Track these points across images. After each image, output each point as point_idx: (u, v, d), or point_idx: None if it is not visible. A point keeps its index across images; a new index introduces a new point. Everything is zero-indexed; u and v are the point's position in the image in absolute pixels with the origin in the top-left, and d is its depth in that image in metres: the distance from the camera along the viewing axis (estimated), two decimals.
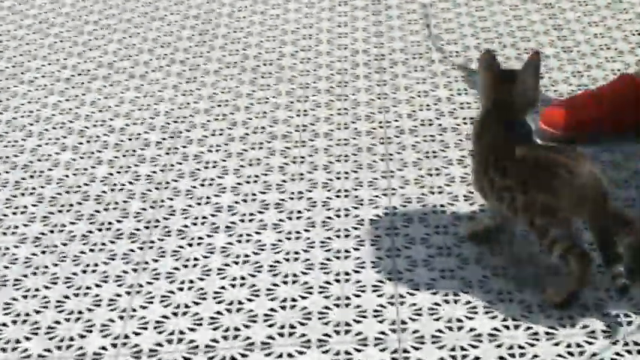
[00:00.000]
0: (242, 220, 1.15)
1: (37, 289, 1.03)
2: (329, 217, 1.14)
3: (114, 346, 0.93)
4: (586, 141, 1.28)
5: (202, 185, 1.24)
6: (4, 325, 0.98)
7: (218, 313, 0.98)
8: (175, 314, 0.98)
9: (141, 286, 1.03)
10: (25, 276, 1.06)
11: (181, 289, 1.02)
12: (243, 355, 0.91)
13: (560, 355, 0.88)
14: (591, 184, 0.95)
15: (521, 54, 1.55)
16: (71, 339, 0.95)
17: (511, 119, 1.06)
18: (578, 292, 0.95)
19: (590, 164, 0.97)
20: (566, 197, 0.94)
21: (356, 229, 1.12)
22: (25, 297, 1.02)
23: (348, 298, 0.99)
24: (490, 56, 1.12)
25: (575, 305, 0.94)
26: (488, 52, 1.10)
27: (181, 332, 0.95)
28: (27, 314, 0.99)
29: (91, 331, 0.95)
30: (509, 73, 1.09)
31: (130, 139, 1.38)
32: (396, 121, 1.38)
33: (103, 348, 0.93)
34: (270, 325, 0.95)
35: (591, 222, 0.95)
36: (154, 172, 1.29)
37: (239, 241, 1.12)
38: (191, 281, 1.03)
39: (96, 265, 1.07)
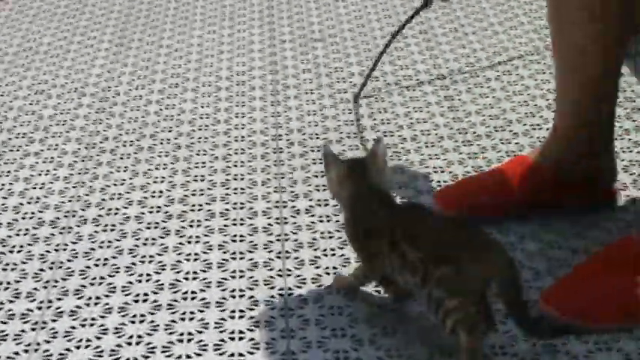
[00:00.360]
0: (136, 301, 1.19)
1: None
2: (224, 298, 1.19)
3: None
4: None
5: (96, 265, 1.29)
6: None
7: None
8: None
9: None
10: None
11: None
12: None
13: None
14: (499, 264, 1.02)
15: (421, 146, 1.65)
16: None
17: (385, 198, 1.14)
18: None
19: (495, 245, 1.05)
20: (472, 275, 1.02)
21: (251, 309, 1.16)
22: None
23: None
24: (329, 152, 1.18)
25: None
26: (325, 148, 1.17)
27: None
28: None
29: None
30: (358, 161, 1.17)
31: (23, 218, 1.43)
32: (292, 200, 1.45)
33: None
34: None
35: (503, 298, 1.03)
36: (48, 251, 1.34)
37: (132, 322, 1.15)
38: None
39: None
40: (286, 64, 1.98)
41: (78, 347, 1.11)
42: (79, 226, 1.40)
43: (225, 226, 1.38)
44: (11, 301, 1.22)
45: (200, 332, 1.11)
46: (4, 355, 1.10)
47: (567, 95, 1.46)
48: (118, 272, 1.27)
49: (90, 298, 1.22)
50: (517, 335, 1.09)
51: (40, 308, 1.19)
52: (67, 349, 1.10)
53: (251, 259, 1.28)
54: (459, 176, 1.56)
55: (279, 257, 1.29)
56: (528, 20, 2.19)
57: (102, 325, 1.13)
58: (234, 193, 1.49)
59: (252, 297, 1.19)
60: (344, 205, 1.15)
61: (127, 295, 1.22)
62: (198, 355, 1.07)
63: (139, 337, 1.11)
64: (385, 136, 1.69)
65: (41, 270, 1.27)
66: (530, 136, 1.71)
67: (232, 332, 1.11)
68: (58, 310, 1.18)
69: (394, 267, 1.08)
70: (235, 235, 1.35)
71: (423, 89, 1.88)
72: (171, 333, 1.11)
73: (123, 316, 1.16)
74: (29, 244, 1.36)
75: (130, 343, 1.10)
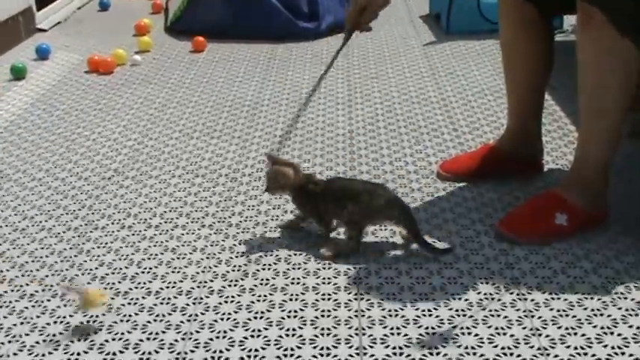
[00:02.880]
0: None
1: None
2: None
3: None
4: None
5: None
6: None
7: None
8: None
9: None
10: None
11: None
12: None
13: None
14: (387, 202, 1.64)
15: None
16: None
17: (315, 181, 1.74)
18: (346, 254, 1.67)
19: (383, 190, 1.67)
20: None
21: None
22: None
23: None
24: (270, 157, 1.80)
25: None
26: (268, 156, 1.81)
27: None
28: None
29: None
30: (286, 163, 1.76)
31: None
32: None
33: None
34: None
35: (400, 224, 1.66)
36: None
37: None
38: None
39: None
40: None
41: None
42: None
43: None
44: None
45: None
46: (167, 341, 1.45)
47: (514, 102, 2.01)
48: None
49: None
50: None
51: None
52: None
53: None
54: (452, 155, 2.19)
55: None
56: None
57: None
58: None
59: None
60: (291, 191, 1.75)
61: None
62: None
63: None
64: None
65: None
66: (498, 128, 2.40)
67: None
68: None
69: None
70: None
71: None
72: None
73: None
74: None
75: None
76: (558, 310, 1.52)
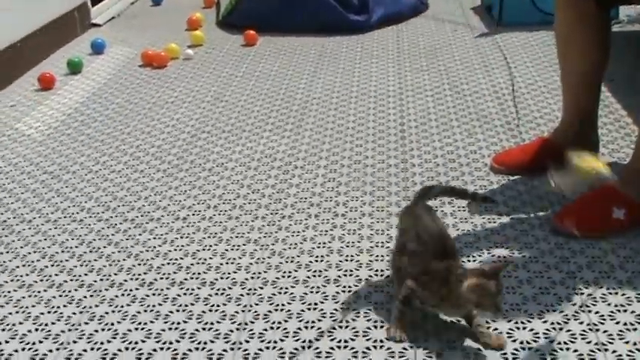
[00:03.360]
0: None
1: None
2: None
3: None
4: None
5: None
6: None
7: None
8: None
9: None
10: None
11: None
12: None
13: None
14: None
15: None
16: None
17: None
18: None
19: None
20: None
21: None
22: None
23: None
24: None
25: None
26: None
27: None
28: None
29: None
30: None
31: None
32: None
33: None
34: None
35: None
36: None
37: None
38: None
39: None
40: None
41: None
42: None
43: None
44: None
45: None
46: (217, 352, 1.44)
47: (570, 95, 1.96)
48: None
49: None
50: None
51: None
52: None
53: None
54: (505, 148, 2.17)
55: None
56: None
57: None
58: None
59: None
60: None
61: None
62: None
63: None
64: None
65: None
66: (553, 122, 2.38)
67: None
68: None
69: None
70: None
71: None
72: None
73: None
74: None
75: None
76: (616, 306, 1.49)
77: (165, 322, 1.51)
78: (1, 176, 2.22)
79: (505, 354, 1.37)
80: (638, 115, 1.70)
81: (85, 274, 1.69)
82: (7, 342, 1.47)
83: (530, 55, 3.07)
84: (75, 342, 1.47)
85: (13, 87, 3.04)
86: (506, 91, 2.69)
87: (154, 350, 1.43)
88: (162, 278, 1.66)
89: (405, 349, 1.39)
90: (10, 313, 1.56)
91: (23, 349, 1.45)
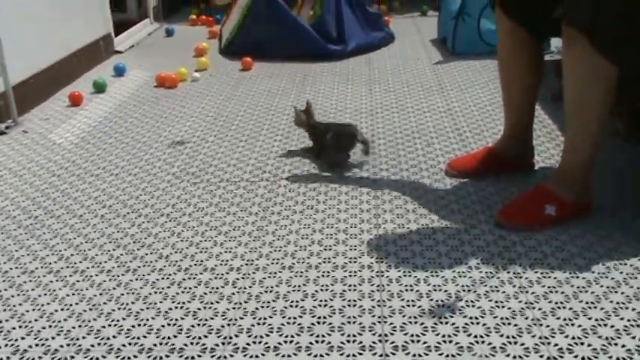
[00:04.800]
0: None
1: None
2: None
3: None
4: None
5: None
6: None
7: None
8: None
9: None
10: None
11: None
12: None
13: None
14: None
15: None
16: None
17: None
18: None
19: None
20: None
21: None
22: None
23: None
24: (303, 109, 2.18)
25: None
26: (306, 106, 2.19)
27: None
28: None
29: None
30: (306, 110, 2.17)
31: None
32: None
33: None
34: None
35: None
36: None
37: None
38: None
39: None
40: None
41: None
42: None
43: None
44: None
45: None
46: None
47: (510, 111, 1.95)
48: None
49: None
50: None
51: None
52: None
53: None
54: (457, 155, 2.14)
55: None
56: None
57: None
58: None
59: None
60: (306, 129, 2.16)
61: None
62: None
63: None
64: None
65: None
66: (496, 132, 2.35)
67: None
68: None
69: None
70: None
71: None
72: None
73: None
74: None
75: None
76: (549, 287, 1.48)
77: (173, 302, 1.47)
78: (35, 178, 2.18)
79: (457, 327, 1.34)
80: (565, 129, 1.69)
81: (105, 262, 1.66)
82: (35, 320, 1.43)
83: (477, 79, 3.07)
84: (95, 319, 1.43)
85: (47, 103, 2.99)
86: (458, 109, 2.68)
87: (191, 328, 1.38)
88: (170, 265, 1.62)
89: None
90: (40, 295, 1.52)
91: (50, 327, 1.41)
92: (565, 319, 1.36)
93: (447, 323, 1.36)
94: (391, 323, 1.37)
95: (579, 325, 1.34)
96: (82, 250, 1.71)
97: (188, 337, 1.35)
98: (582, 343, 1.28)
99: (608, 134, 1.82)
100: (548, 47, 3.24)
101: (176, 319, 1.41)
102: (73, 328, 1.40)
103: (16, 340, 1.36)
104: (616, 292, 1.45)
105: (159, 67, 3.45)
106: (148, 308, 1.45)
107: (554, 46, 3.26)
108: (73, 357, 1.30)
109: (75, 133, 2.60)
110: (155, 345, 1.33)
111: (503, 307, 1.41)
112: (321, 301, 1.45)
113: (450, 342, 1.30)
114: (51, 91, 3.09)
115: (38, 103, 2.96)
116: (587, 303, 1.41)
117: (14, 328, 1.39)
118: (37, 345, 1.35)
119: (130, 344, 1.33)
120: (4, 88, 2.64)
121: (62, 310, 1.46)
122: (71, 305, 1.47)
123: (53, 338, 1.36)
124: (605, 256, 1.59)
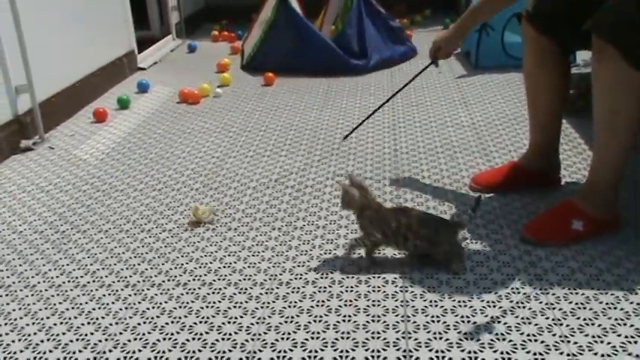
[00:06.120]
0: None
1: None
2: None
3: None
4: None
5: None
6: None
7: None
8: None
9: None
10: None
11: None
12: None
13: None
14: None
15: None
16: None
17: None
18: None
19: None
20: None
21: None
22: None
23: None
24: (350, 177, 1.56)
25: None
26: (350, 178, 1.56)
27: None
28: None
29: None
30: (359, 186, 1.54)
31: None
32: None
33: None
34: None
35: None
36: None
37: None
38: None
39: None
40: None
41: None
42: None
43: None
44: None
45: None
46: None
47: (535, 125, 1.94)
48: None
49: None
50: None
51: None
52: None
53: None
54: (482, 170, 2.14)
55: None
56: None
57: None
58: None
59: None
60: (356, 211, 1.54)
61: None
62: None
63: None
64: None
65: None
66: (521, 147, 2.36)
67: None
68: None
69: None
70: None
71: None
72: None
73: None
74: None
75: None
76: (577, 303, 1.47)
77: (197, 317, 1.48)
78: (62, 194, 2.22)
79: (483, 344, 1.34)
80: (593, 143, 1.68)
81: (130, 276, 1.68)
82: (63, 334, 1.45)
83: (502, 93, 3.06)
84: (121, 333, 1.45)
85: (72, 119, 3.04)
86: (482, 123, 2.67)
87: (214, 337, 1.40)
88: (194, 279, 1.64)
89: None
90: (67, 309, 1.55)
91: (77, 340, 1.43)
92: (594, 337, 1.36)
93: (472, 339, 1.36)
94: (416, 339, 1.37)
95: (608, 343, 1.33)
96: (108, 264, 1.74)
97: (213, 351, 1.36)
98: None
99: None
100: (574, 60, 3.22)
101: (200, 334, 1.42)
102: (100, 341, 1.42)
103: (44, 352, 1.39)
104: None
105: (182, 83, 3.49)
106: (172, 322, 1.47)
107: (580, 59, 3.24)
108: None
109: (100, 149, 2.64)
110: (180, 359, 1.35)
111: (530, 323, 1.41)
112: (345, 316, 1.46)
113: (476, 359, 1.30)
114: (76, 108, 3.15)
115: (64, 119, 3.02)
116: (616, 320, 1.40)
117: (42, 341, 1.42)
118: (64, 358, 1.37)
119: (155, 358, 1.35)
120: (31, 105, 2.70)
121: (89, 323, 1.48)
122: (97, 319, 1.49)
123: (80, 351, 1.39)
124: (635, 271, 1.57)
